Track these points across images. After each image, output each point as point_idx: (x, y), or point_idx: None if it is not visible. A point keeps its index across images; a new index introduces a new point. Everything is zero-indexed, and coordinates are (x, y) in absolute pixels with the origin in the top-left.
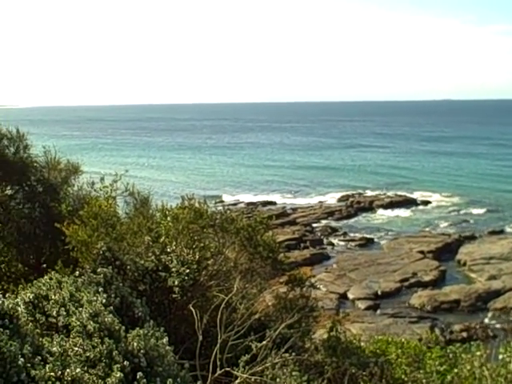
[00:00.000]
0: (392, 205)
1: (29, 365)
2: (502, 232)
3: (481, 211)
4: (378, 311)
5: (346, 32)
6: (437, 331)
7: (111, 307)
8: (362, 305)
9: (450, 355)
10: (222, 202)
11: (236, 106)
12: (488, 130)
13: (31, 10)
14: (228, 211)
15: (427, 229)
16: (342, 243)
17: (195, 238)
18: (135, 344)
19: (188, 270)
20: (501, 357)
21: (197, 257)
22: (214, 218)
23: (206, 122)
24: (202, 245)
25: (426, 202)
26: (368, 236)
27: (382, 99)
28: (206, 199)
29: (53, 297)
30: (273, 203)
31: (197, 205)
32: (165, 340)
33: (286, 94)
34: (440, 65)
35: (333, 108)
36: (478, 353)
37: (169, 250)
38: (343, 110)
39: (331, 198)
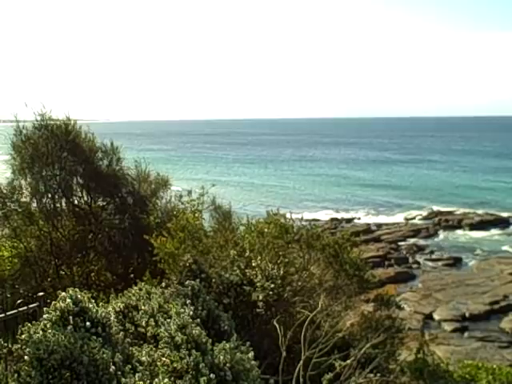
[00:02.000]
0: (482, 224)
1: (119, 373)
2: None
3: None
4: (466, 334)
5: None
6: None
7: (198, 320)
8: (448, 327)
9: None
10: (308, 216)
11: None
12: None
13: (120, 32)
14: (314, 227)
15: None
16: (429, 262)
17: (280, 253)
18: (221, 357)
19: (272, 285)
20: None
21: (281, 272)
22: (300, 234)
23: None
24: (286, 260)
25: None
26: (456, 256)
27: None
28: (297, 213)
29: (142, 307)
30: (357, 219)
31: (282, 220)
32: (250, 355)
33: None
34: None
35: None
36: None
37: (253, 264)
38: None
39: (417, 216)
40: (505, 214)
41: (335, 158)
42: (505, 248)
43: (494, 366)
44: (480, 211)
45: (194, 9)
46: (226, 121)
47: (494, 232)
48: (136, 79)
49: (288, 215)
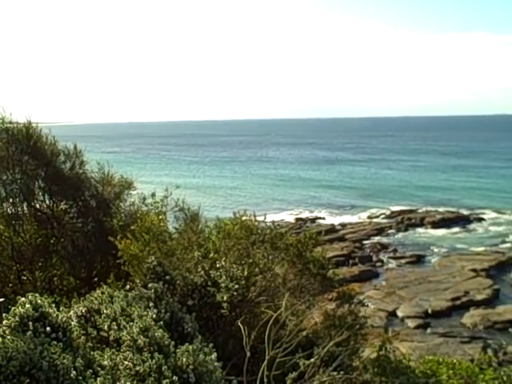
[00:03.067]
0: (444, 221)
1: (80, 378)
2: None
3: None
4: (428, 330)
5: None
6: (489, 352)
7: (161, 322)
8: (411, 323)
9: (505, 378)
10: (272, 217)
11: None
12: None
13: (88, 34)
14: (277, 227)
15: (480, 246)
16: (392, 260)
17: (244, 253)
18: (184, 359)
19: (237, 286)
20: None
21: (246, 273)
22: (264, 234)
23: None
24: (251, 261)
25: (480, 219)
26: (418, 253)
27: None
28: (259, 214)
29: (104, 311)
30: (322, 219)
31: (248, 221)
32: (213, 356)
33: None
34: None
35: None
36: None
37: (218, 265)
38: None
39: (381, 215)
40: (465, 212)
41: (296, 158)
42: (465, 245)
43: (454, 361)
44: (441, 209)
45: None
46: (188, 122)
47: (455, 229)
48: (98, 80)
49: (252, 216)
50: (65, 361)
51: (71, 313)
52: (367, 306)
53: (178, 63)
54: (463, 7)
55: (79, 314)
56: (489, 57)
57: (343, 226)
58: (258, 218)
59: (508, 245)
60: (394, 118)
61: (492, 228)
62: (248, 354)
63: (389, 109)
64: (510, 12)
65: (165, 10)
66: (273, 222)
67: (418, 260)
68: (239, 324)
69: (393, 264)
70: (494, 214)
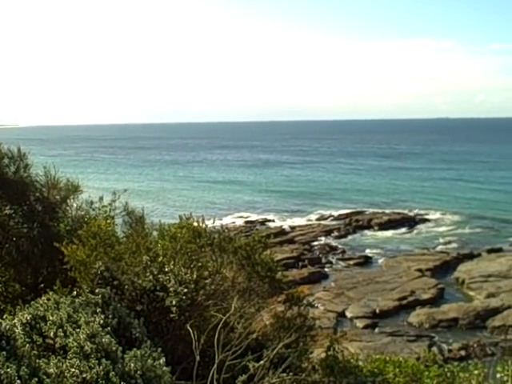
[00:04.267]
0: (390, 223)
1: None
2: (500, 250)
3: (479, 229)
4: (377, 330)
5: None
6: (435, 350)
7: (109, 328)
8: (360, 323)
9: (448, 374)
10: (221, 220)
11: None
12: (481, 147)
13: (32, 34)
14: (226, 230)
15: (425, 247)
16: (341, 262)
17: (193, 257)
18: (132, 365)
19: (186, 290)
20: (498, 375)
21: (194, 276)
22: (212, 237)
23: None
24: (199, 264)
25: (425, 220)
26: (366, 254)
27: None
28: (206, 217)
29: (50, 318)
30: (271, 221)
31: (195, 224)
32: (162, 361)
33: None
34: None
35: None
36: (476, 372)
37: (167, 269)
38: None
39: (329, 217)
40: (411, 213)
41: (239, 161)
42: (411, 245)
43: (401, 359)
44: (387, 211)
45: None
46: (136, 125)
47: (402, 230)
48: (45, 82)
49: (200, 219)
50: (8, 370)
51: (15, 320)
52: (317, 307)
53: (121, 65)
54: (407, 15)
55: (24, 321)
56: (432, 62)
57: (292, 228)
58: (206, 222)
59: (452, 245)
60: (338, 121)
61: (436, 229)
62: (197, 357)
63: (334, 112)
64: (453, 18)
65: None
66: (221, 225)
67: (366, 261)
68: (188, 328)
69: (341, 265)
70: (437, 215)
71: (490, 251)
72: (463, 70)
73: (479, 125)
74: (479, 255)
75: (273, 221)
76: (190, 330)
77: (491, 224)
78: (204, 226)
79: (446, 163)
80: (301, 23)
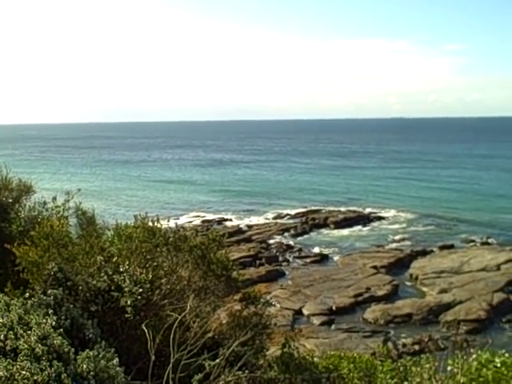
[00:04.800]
0: (346, 221)
1: None
2: (452, 246)
3: (431, 226)
4: (333, 326)
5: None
6: (390, 345)
7: (61, 329)
8: (316, 320)
9: (401, 368)
10: (178, 219)
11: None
12: (432, 146)
13: None
14: (181, 229)
15: (380, 244)
16: (298, 260)
17: (148, 257)
18: (84, 366)
19: (141, 290)
20: (449, 368)
21: (150, 276)
22: (167, 237)
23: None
24: (155, 264)
25: (379, 218)
26: (323, 252)
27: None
28: (161, 217)
29: (0, 320)
30: (228, 220)
31: (150, 223)
32: (115, 361)
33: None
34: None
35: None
36: (427, 365)
37: (121, 269)
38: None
39: (286, 215)
40: (366, 211)
41: (194, 161)
42: (366, 243)
43: (355, 355)
44: (343, 209)
45: None
46: (91, 124)
47: (357, 228)
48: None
49: (155, 219)
50: None
51: None
52: (274, 305)
53: (76, 63)
54: (362, 15)
55: None
56: (387, 62)
57: (249, 227)
58: (162, 222)
59: (405, 242)
60: (294, 120)
61: (390, 226)
62: (153, 357)
63: (289, 111)
64: (407, 19)
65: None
66: (176, 224)
67: (322, 259)
68: (144, 328)
69: (298, 263)
70: (391, 213)
71: (442, 248)
72: (416, 71)
73: (431, 124)
74: (432, 252)
75: (230, 220)
76: (145, 330)
77: (443, 221)
78: (159, 225)
79: (398, 162)
80: (257, 22)
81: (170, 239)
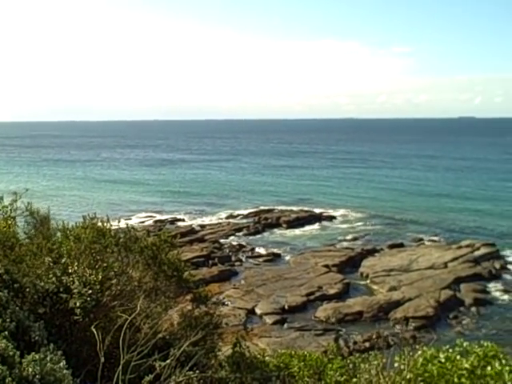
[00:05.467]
0: (298, 220)
1: None
2: (401, 245)
3: (381, 225)
4: (285, 325)
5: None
6: (341, 342)
7: (6, 332)
8: (269, 320)
9: (350, 365)
10: (130, 219)
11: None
12: (382, 147)
13: None
14: (132, 230)
15: (332, 243)
16: (250, 259)
17: (98, 257)
18: (30, 369)
19: (90, 291)
20: (396, 364)
21: (100, 277)
22: (118, 237)
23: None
24: (105, 265)
25: (331, 217)
26: (275, 252)
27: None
28: (111, 218)
29: None
30: (181, 220)
31: (99, 224)
32: (62, 364)
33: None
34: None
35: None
36: (376, 362)
37: (70, 270)
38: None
39: (239, 215)
40: (317, 211)
41: (141, 160)
42: (318, 242)
43: (305, 353)
44: (295, 209)
45: None
46: (39, 123)
47: (309, 228)
48: None
49: (105, 219)
50: None
51: None
52: (226, 305)
53: (22, 58)
54: (314, 16)
55: None
56: (338, 63)
57: (202, 227)
58: (113, 222)
59: (356, 241)
60: (245, 120)
61: (341, 226)
62: (102, 359)
63: (241, 111)
64: (357, 20)
65: None
66: (127, 224)
67: (275, 258)
68: (93, 330)
69: (251, 263)
70: (342, 213)
71: (391, 247)
72: (367, 72)
73: (381, 125)
74: (382, 250)
75: (182, 220)
76: (95, 332)
77: (392, 221)
78: (109, 226)
79: (348, 162)
80: (210, 21)
81: (121, 240)
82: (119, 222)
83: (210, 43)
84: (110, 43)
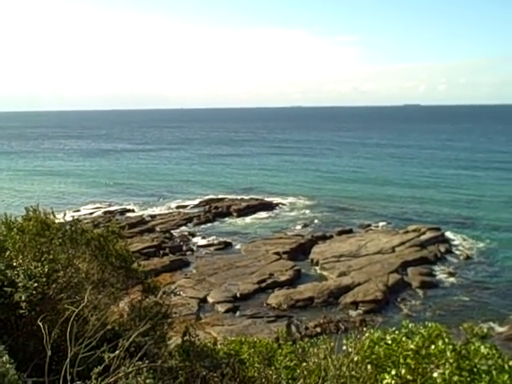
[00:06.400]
0: (249, 209)
1: None
2: (350, 231)
3: (329, 212)
4: (238, 313)
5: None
6: (293, 328)
7: None
8: (221, 308)
9: (300, 350)
10: (79, 211)
11: None
12: (328, 135)
13: None
14: (77, 221)
15: (282, 231)
16: (201, 248)
17: (44, 249)
18: None
19: (36, 284)
20: (344, 348)
21: (46, 270)
22: (64, 230)
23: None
24: (51, 257)
25: (281, 205)
26: (226, 240)
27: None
28: (56, 210)
29: None
30: (131, 211)
31: (42, 216)
32: (5, 358)
33: None
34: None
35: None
36: (324, 346)
37: (15, 264)
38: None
39: (189, 205)
40: (267, 199)
41: (85, 151)
42: (269, 230)
43: (255, 339)
44: (246, 197)
45: None
46: None
47: (259, 215)
48: None
49: (50, 211)
50: None
51: None
52: (179, 294)
53: None
54: (261, 4)
55: None
56: (285, 52)
57: (152, 217)
58: (58, 214)
59: (306, 228)
60: (194, 109)
61: (291, 213)
62: (49, 352)
63: (190, 100)
64: (304, 8)
65: None
66: (73, 216)
67: (226, 247)
68: (39, 323)
69: (202, 252)
70: (291, 200)
71: (340, 233)
72: (313, 61)
73: (328, 113)
74: (331, 237)
75: (132, 210)
76: (41, 325)
77: (340, 208)
78: (53, 217)
79: (294, 150)
80: (158, 10)
81: (67, 232)
82: (65, 214)
83: (157, 32)
84: (52, 30)
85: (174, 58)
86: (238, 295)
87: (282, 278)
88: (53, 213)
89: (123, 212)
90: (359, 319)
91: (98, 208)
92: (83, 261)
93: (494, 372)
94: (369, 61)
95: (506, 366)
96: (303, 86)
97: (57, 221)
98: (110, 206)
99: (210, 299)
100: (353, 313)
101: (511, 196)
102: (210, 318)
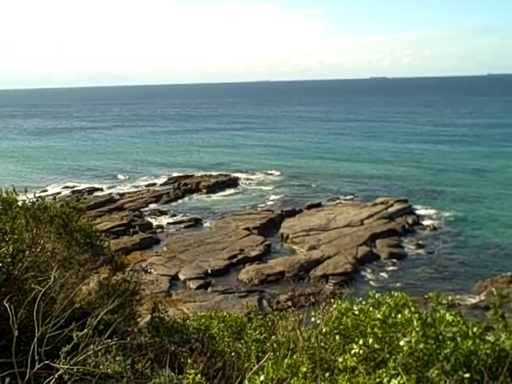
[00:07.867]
0: (218, 185)
1: None
2: (319, 205)
3: (298, 187)
4: (209, 289)
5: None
6: (264, 303)
7: None
8: (193, 284)
9: (269, 323)
10: (46, 191)
11: None
12: (295, 109)
13: None
14: (40, 199)
15: (252, 206)
16: (171, 226)
17: (7, 229)
18: None
19: (0, 265)
20: (312, 319)
21: (10, 250)
22: (26, 208)
23: None
24: (15, 237)
25: (249, 181)
26: (196, 217)
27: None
28: (18, 190)
29: None
30: (99, 190)
31: (4, 195)
32: None
33: None
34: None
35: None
36: (293, 318)
37: None
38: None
39: (158, 182)
40: (235, 175)
41: (35, 129)
42: (238, 206)
43: (225, 314)
44: (214, 173)
45: None
46: None
47: (228, 191)
48: None
49: (11, 189)
50: None
51: None
52: (150, 272)
53: None
54: None
55: None
56: (250, 26)
57: (121, 195)
58: (21, 193)
59: (275, 203)
60: (160, 85)
61: (260, 188)
62: (16, 332)
63: (156, 76)
64: None
65: None
66: (35, 194)
67: (196, 223)
68: (5, 304)
69: (172, 229)
70: (259, 176)
71: (309, 207)
72: (279, 35)
73: (294, 87)
74: (301, 211)
75: (101, 189)
76: (7, 306)
77: (308, 183)
78: (14, 195)
79: (261, 125)
80: None
81: (30, 210)
82: (26, 191)
83: (122, 7)
84: (17, 4)
85: (140, 34)
86: (209, 271)
87: (253, 254)
88: (14, 190)
89: (91, 191)
90: (329, 291)
91: (65, 187)
92: (49, 239)
93: (458, 339)
94: (335, 34)
95: (470, 333)
96: (270, 60)
97: (20, 199)
98: (79, 184)
99: (181, 276)
100: (323, 286)
101: (475, 168)
102: (182, 295)
